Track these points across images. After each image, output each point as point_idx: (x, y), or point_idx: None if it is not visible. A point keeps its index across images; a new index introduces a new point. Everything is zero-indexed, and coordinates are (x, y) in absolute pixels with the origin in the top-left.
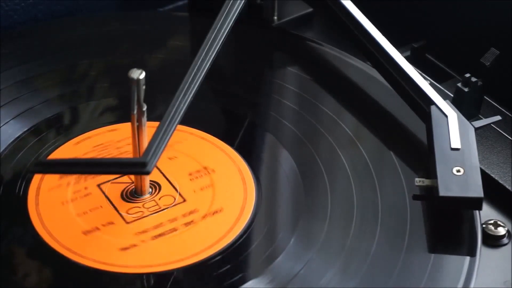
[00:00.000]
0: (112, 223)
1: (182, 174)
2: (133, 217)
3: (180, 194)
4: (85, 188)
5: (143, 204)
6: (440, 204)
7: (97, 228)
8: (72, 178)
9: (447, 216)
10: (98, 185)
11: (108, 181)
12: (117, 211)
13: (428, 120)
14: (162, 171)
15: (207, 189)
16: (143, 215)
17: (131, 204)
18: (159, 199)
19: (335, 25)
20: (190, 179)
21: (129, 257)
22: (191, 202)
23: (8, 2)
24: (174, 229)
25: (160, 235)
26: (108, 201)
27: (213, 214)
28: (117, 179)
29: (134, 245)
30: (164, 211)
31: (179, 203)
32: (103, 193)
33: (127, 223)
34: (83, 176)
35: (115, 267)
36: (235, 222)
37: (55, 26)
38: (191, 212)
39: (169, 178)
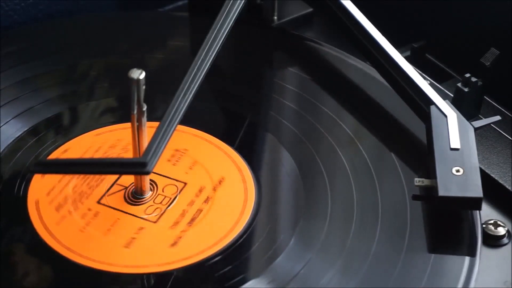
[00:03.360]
0: (142, 228)
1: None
2: (156, 216)
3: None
4: (89, 209)
5: (153, 200)
6: (439, 204)
7: (133, 238)
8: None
9: (447, 216)
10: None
11: (103, 195)
12: (136, 216)
13: (427, 120)
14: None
15: (197, 166)
16: (163, 211)
17: (142, 206)
18: (163, 191)
19: (335, 25)
20: (186, 172)
21: (180, 250)
22: (192, 183)
23: (8, 2)
24: (200, 210)
25: (192, 220)
26: (120, 211)
27: (220, 183)
28: (110, 189)
29: (179, 238)
30: (176, 199)
31: (182, 188)
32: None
33: (155, 222)
34: (83, 197)
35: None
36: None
37: (55, 26)
38: (200, 190)
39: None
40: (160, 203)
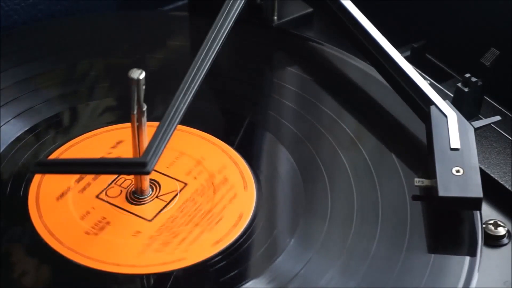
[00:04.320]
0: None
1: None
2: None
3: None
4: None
5: (153, 200)
6: (439, 204)
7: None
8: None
9: (447, 216)
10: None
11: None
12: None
13: (427, 120)
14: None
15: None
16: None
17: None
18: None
19: (335, 25)
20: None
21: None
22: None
23: (8, 2)
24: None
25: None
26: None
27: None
28: (110, 189)
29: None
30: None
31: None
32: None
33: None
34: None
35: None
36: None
37: (55, 26)
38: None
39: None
40: (160, 203)
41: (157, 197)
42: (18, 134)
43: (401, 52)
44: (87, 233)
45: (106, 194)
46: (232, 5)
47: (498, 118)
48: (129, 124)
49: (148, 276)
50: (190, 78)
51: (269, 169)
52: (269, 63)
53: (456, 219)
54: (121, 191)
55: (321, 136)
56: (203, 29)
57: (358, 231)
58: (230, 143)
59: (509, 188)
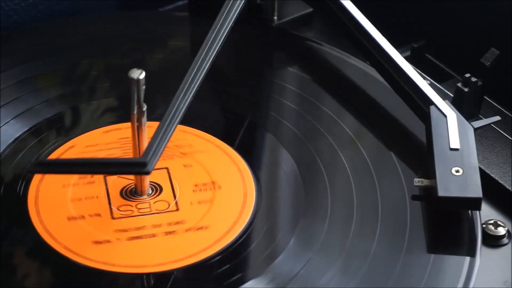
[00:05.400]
0: (99, 215)
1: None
2: (155, 215)
3: (176, 203)
4: (91, 176)
5: (136, 204)
6: (439, 204)
7: (83, 217)
8: (72, 178)
9: (447, 216)
10: (104, 176)
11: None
12: (109, 205)
13: (427, 121)
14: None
15: (205, 203)
16: (162, 210)
17: (126, 201)
18: (154, 202)
19: (335, 25)
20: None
21: (99, 252)
22: (192, 183)
23: (8, 2)
24: (153, 235)
25: (137, 237)
26: (106, 194)
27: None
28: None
29: (108, 241)
30: (176, 199)
31: (171, 211)
32: (106, 185)
33: (113, 218)
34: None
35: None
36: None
37: (55, 26)
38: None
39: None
40: (160, 202)
41: (156, 197)
42: (18, 134)
43: (401, 52)
44: (71, 219)
45: (107, 187)
46: (232, 5)
47: (498, 118)
48: (129, 124)
49: (148, 276)
50: (190, 78)
51: (269, 169)
52: (269, 63)
53: (456, 219)
54: (122, 187)
55: (321, 136)
56: (203, 29)
57: (358, 231)
58: (230, 143)
59: (509, 188)
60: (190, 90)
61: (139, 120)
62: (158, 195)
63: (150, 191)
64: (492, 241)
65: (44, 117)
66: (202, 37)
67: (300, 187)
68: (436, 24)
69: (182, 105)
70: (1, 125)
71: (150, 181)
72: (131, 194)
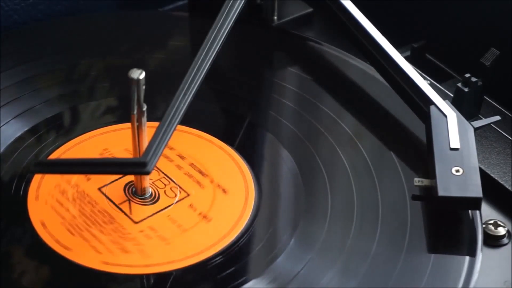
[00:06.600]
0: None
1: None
2: (155, 215)
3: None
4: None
5: (153, 200)
6: (439, 204)
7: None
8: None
9: (447, 216)
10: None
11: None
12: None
13: (427, 120)
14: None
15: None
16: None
17: (142, 205)
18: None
19: (335, 25)
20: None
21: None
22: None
23: (8, 2)
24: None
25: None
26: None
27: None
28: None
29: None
30: (176, 199)
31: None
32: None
33: (154, 222)
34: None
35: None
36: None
37: (55, 26)
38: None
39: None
40: (160, 202)
41: (156, 196)
42: (18, 134)
43: (401, 52)
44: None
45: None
46: (232, 5)
47: (498, 118)
48: (129, 124)
49: (148, 276)
50: (190, 78)
51: (269, 169)
52: (269, 63)
53: (456, 219)
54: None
55: (321, 136)
56: (203, 29)
57: (358, 231)
58: (230, 143)
59: (509, 188)
60: (190, 90)
61: (139, 120)
62: (157, 200)
63: (150, 191)
64: (492, 241)
65: (44, 117)
66: (202, 37)
67: (300, 187)
68: (436, 24)
69: (182, 105)
70: (1, 125)
71: (150, 184)
72: (133, 193)
